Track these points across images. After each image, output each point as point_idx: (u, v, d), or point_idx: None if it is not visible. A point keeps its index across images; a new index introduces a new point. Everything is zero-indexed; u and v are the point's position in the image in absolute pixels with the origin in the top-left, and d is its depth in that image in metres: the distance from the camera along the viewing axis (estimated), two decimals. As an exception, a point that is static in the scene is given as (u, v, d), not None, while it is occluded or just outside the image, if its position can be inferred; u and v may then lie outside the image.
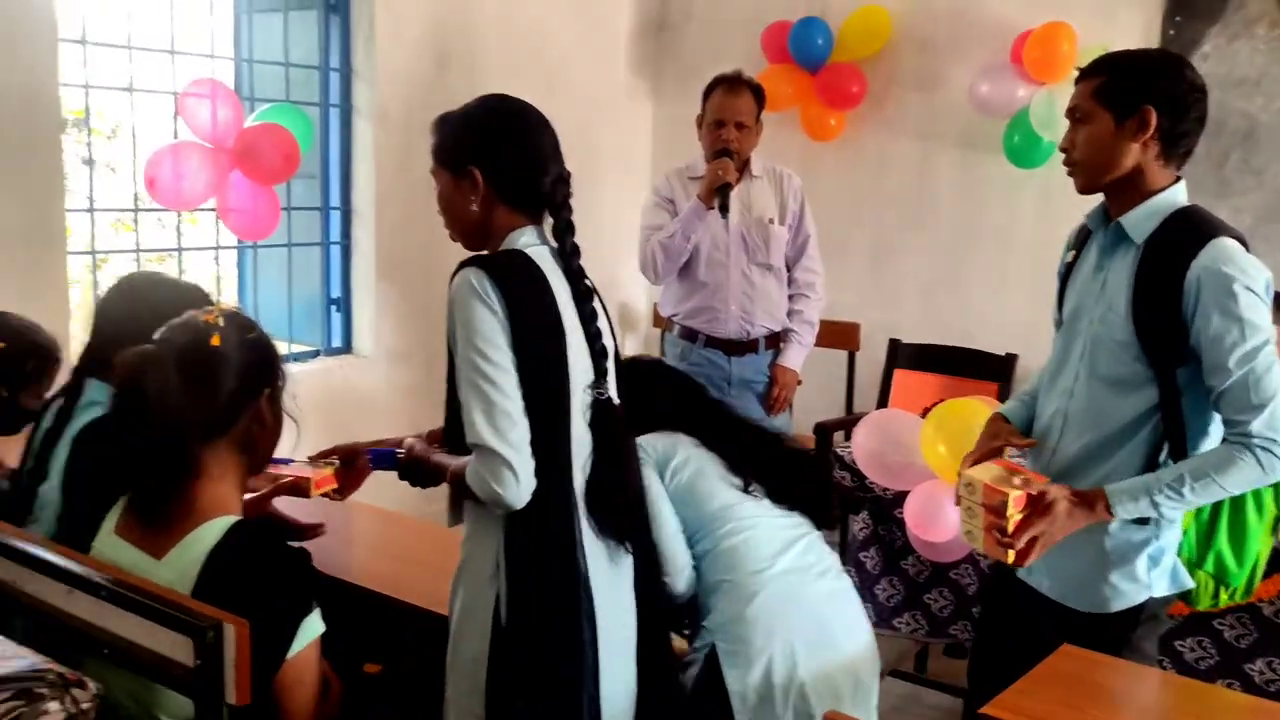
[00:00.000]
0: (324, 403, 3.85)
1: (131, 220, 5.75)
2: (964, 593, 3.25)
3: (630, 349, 5.32)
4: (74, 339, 3.35)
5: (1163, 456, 2.03)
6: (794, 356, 3.69)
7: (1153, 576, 2.08)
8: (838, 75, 4.69)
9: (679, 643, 2.17)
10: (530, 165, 1.85)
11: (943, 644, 3.51)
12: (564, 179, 1.87)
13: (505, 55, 4.62)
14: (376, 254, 4.33)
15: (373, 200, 4.29)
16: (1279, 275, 2.11)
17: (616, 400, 1.87)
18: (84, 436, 1.98)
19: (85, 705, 1.46)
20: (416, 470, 1.95)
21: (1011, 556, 1.97)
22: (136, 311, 1.98)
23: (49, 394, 2.23)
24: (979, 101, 4.36)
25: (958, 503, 2.11)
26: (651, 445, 2.20)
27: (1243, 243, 1.99)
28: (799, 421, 3.94)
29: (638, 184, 5.26)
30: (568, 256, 1.84)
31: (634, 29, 5.30)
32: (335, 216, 4.34)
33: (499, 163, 1.84)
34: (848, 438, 3.37)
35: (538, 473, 1.72)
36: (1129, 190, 2.04)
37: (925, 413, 3.06)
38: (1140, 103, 1.98)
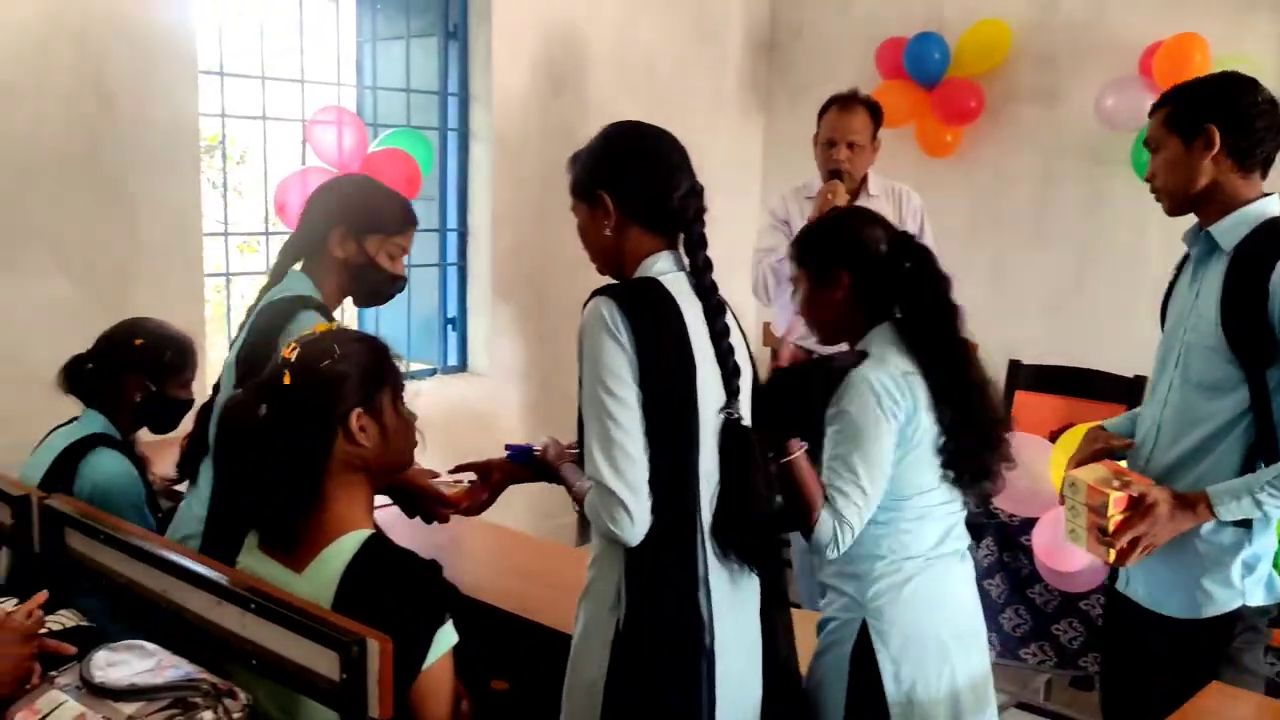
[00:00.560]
0: (440, 419, 3.91)
1: (257, 243, 5.98)
2: (1094, 624, 3.14)
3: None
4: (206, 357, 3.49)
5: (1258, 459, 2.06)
6: None
7: (1247, 584, 2.08)
8: (955, 90, 4.62)
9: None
10: (656, 183, 1.83)
11: (1069, 676, 3.40)
12: (694, 193, 1.84)
13: (617, 78, 4.67)
14: (492, 274, 4.40)
15: (489, 222, 4.37)
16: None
17: (748, 420, 1.83)
18: (262, 313, 2.12)
19: (236, 715, 1.50)
20: (546, 474, 2.03)
21: (1112, 555, 2.02)
22: (345, 204, 2.22)
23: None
24: (1105, 115, 4.25)
25: (1061, 502, 2.16)
26: (900, 386, 1.95)
27: None
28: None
29: (748, 203, 5.25)
30: (699, 273, 1.81)
31: (744, 48, 5.30)
32: (452, 238, 4.43)
33: (625, 184, 1.83)
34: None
35: (661, 508, 1.69)
36: (1213, 204, 2.12)
37: (1054, 437, 2.98)
38: (1203, 122, 2.08)
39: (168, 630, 1.86)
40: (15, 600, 1.85)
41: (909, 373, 1.96)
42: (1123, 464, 2.23)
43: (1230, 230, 2.08)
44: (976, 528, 3.27)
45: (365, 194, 2.30)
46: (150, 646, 1.61)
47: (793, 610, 2.00)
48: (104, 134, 3.23)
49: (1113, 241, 4.47)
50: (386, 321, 4.31)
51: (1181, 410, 2.13)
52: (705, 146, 5.45)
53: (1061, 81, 4.53)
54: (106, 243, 3.27)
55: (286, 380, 1.67)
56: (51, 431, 2.51)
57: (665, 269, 1.81)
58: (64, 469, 2.36)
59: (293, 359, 1.68)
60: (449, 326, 4.47)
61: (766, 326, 4.37)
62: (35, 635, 1.58)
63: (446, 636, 1.64)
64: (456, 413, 4.23)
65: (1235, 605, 2.08)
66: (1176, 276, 2.27)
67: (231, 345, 2.29)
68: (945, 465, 1.97)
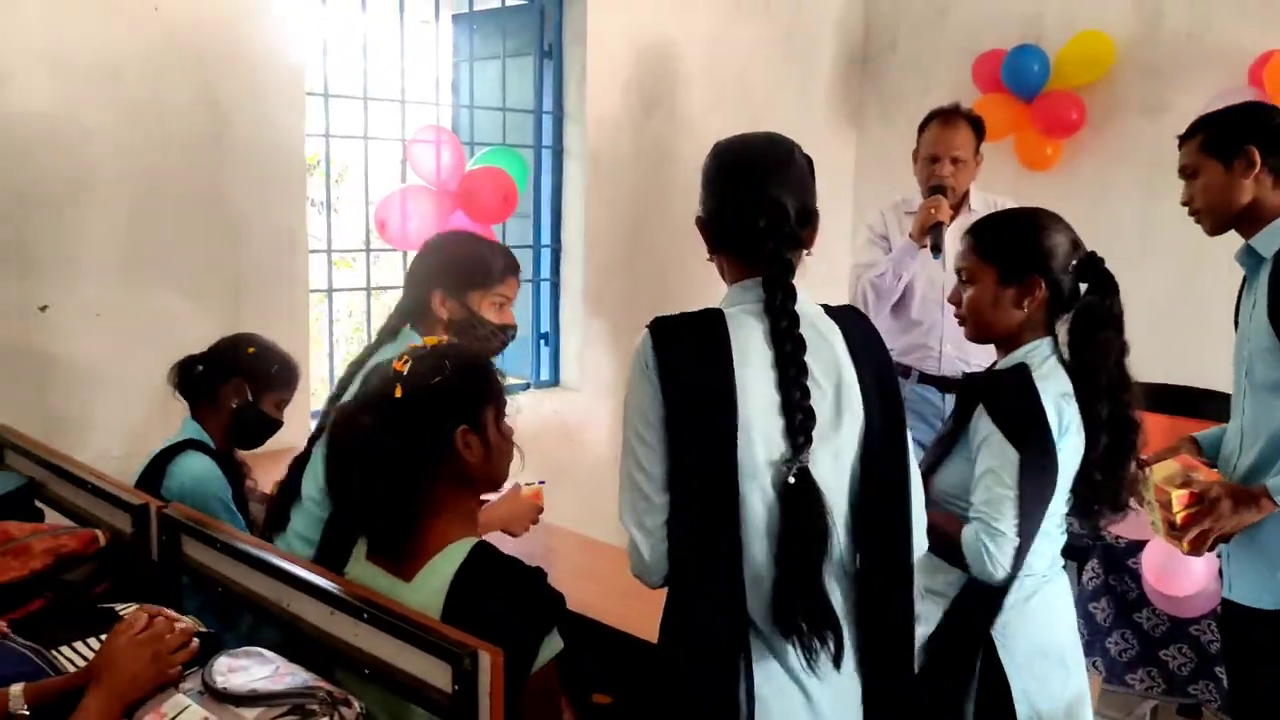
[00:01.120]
0: (532, 433, 3.95)
1: (352, 259, 6.11)
2: (1205, 650, 3.05)
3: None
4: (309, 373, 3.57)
5: None
6: None
7: None
8: (1055, 103, 4.54)
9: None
10: (737, 209, 1.70)
11: (1176, 703, 3.29)
12: (779, 219, 1.68)
13: (709, 95, 4.68)
14: (584, 290, 4.44)
15: (581, 238, 4.40)
16: None
17: (827, 472, 1.65)
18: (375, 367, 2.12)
19: (351, 724, 1.53)
20: None
21: (1185, 547, 2.11)
22: (444, 264, 2.31)
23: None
24: (1213, 127, 4.13)
25: (1139, 502, 2.22)
26: (1058, 408, 1.92)
27: None
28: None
29: (840, 218, 5.22)
30: (775, 313, 1.65)
31: (836, 62, 5.28)
32: (546, 254, 4.47)
33: (711, 210, 1.75)
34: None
35: (689, 554, 1.61)
36: (1253, 219, 2.31)
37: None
38: (1243, 143, 2.26)
39: (278, 636, 1.91)
40: (137, 606, 1.92)
41: (1067, 394, 1.94)
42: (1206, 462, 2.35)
43: (1268, 239, 2.27)
44: (1082, 550, 3.20)
45: (460, 251, 2.36)
46: (268, 654, 1.65)
47: None
48: (216, 154, 3.34)
49: (1220, 256, 4.32)
50: (482, 336, 4.37)
51: (1255, 415, 2.28)
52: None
53: (1167, 93, 4.42)
54: (217, 259, 3.37)
55: (398, 394, 1.69)
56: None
57: (739, 301, 1.70)
58: (155, 472, 2.48)
59: (404, 372, 1.70)
60: (542, 341, 4.52)
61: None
62: (179, 649, 1.63)
63: (553, 643, 1.65)
64: (548, 427, 4.28)
65: None
66: (1241, 295, 2.44)
67: (331, 398, 2.35)
68: (1085, 492, 1.95)
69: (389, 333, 2.31)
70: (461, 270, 2.32)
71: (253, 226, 3.43)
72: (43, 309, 3.07)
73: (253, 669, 1.59)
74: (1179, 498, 2.10)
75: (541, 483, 2.57)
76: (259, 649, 1.66)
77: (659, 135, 4.55)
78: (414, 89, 4.04)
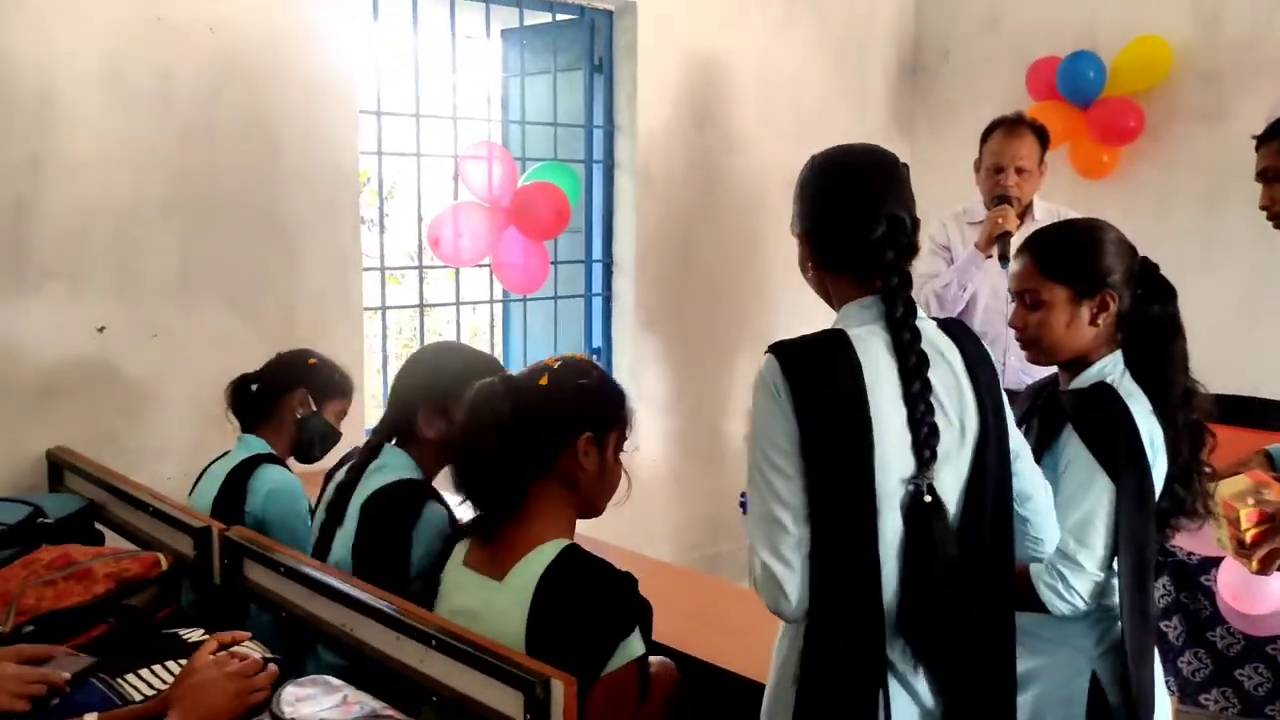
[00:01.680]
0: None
1: (401, 275, 6.12)
2: (1283, 669, 2.95)
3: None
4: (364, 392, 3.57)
5: None
6: None
7: None
8: (1112, 110, 4.45)
9: None
10: (849, 225, 1.63)
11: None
12: (894, 232, 1.62)
13: (761, 107, 4.65)
14: (636, 305, 4.41)
15: (633, 253, 4.38)
16: None
17: (950, 488, 1.61)
18: (372, 503, 2.05)
19: (422, 754, 1.50)
20: None
21: (1255, 565, 1.96)
22: (430, 381, 2.14)
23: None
24: (1277, 132, 4.03)
25: (1208, 513, 2.09)
26: (1151, 426, 1.88)
27: None
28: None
29: (893, 230, 5.15)
30: (897, 326, 1.60)
31: (888, 73, 5.22)
32: (598, 269, 4.45)
33: (819, 228, 1.68)
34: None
35: (833, 589, 1.54)
36: None
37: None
38: None
39: (342, 661, 1.89)
40: (201, 630, 1.91)
41: (1150, 412, 1.87)
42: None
43: None
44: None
45: (438, 368, 2.21)
46: (335, 681, 1.63)
47: None
48: (270, 174, 3.35)
49: (1287, 264, 4.23)
50: (534, 351, 4.36)
51: None
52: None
53: (1227, 99, 4.32)
54: (271, 278, 3.38)
55: (543, 382, 1.78)
56: (208, 466, 2.59)
57: (859, 320, 1.63)
58: (233, 492, 2.42)
59: (555, 366, 1.81)
60: (594, 357, 4.49)
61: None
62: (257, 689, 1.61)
63: (633, 646, 1.66)
64: (601, 443, 4.24)
65: None
66: None
67: (318, 520, 2.17)
68: (1166, 506, 1.89)
69: (370, 450, 2.16)
70: (442, 388, 2.14)
71: (306, 245, 3.44)
72: (101, 330, 3.09)
73: (320, 698, 1.57)
74: (1247, 515, 1.99)
75: None
76: (325, 677, 1.64)
77: (710, 148, 4.52)
78: (465, 105, 4.04)
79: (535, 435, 1.74)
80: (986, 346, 3.22)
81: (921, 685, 1.60)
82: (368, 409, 3.74)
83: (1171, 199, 4.50)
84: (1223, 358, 4.31)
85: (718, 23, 4.48)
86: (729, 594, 2.57)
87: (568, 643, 1.62)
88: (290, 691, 1.58)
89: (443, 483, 2.14)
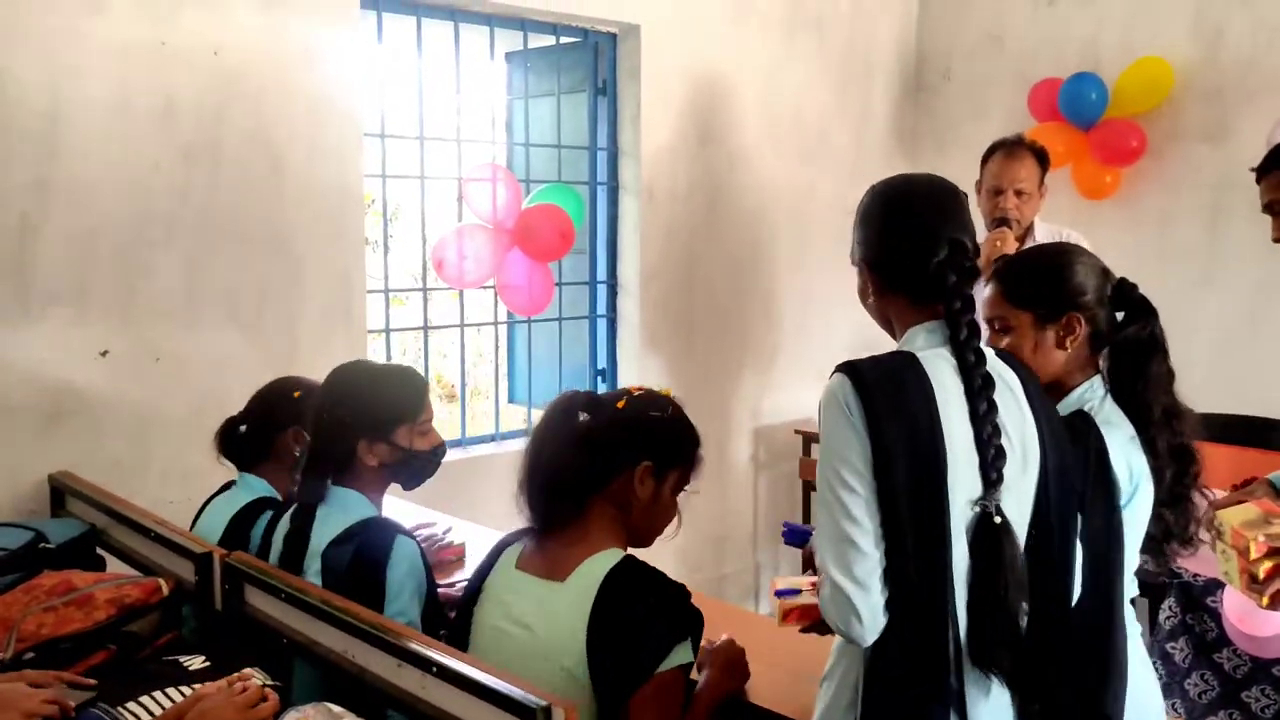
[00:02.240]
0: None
1: (405, 297, 6.16)
2: (1291, 692, 2.93)
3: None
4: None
5: None
6: None
7: None
8: (1114, 131, 4.46)
9: None
10: (910, 251, 1.65)
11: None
12: (955, 257, 1.64)
13: (763, 127, 4.66)
14: (641, 326, 4.41)
15: (638, 274, 4.38)
16: None
17: (1016, 510, 1.61)
18: (331, 563, 2.03)
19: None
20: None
21: (1265, 601, 1.93)
22: (369, 409, 2.13)
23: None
24: None
25: (1212, 547, 2.05)
26: (1131, 454, 1.87)
27: None
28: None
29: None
30: (961, 347, 1.61)
31: (890, 92, 5.24)
32: (602, 290, 4.46)
33: (881, 255, 1.69)
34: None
35: (904, 609, 1.54)
36: None
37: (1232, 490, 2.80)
38: None
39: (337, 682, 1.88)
40: (203, 658, 1.90)
41: (1133, 437, 1.85)
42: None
43: None
44: (1158, 589, 3.09)
45: (374, 394, 2.17)
46: (335, 708, 1.62)
47: None
48: (274, 196, 3.36)
49: (1291, 283, 4.22)
50: (539, 372, 4.36)
51: None
52: (849, 191, 5.43)
53: (1230, 118, 4.33)
54: (275, 300, 3.39)
55: (620, 405, 1.90)
56: (208, 502, 2.55)
57: (925, 343, 1.64)
58: (238, 534, 2.37)
59: (636, 394, 1.93)
60: (599, 378, 4.49)
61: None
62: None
63: (683, 653, 1.74)
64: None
65: None
66: None
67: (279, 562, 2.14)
68: (1155, 532, 1.88)
69: (314, 494, 2.11)
70: (382, 414, 2.15)
71: (310, 267, 3.44)
72: (104, 354, 3.10)
73: (321, 725, 1.56)
74: (1257, 545, 1.95)
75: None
76: (326, 704, 1.63)
77: (713, 169, 4.53)
78: (469, 128, 4.05)
79: (598, 451, 1.85)
80: None
81: (986, 713, 1.59)
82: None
83: (1174, 219, 4.50)
84: (1225, 376, 4.33)
85: (720, 44, 4.50)
86: (735, 617, 2.55)
87: (627, 644, 1.71)
88: (291, 717, 1.57)
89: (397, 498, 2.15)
